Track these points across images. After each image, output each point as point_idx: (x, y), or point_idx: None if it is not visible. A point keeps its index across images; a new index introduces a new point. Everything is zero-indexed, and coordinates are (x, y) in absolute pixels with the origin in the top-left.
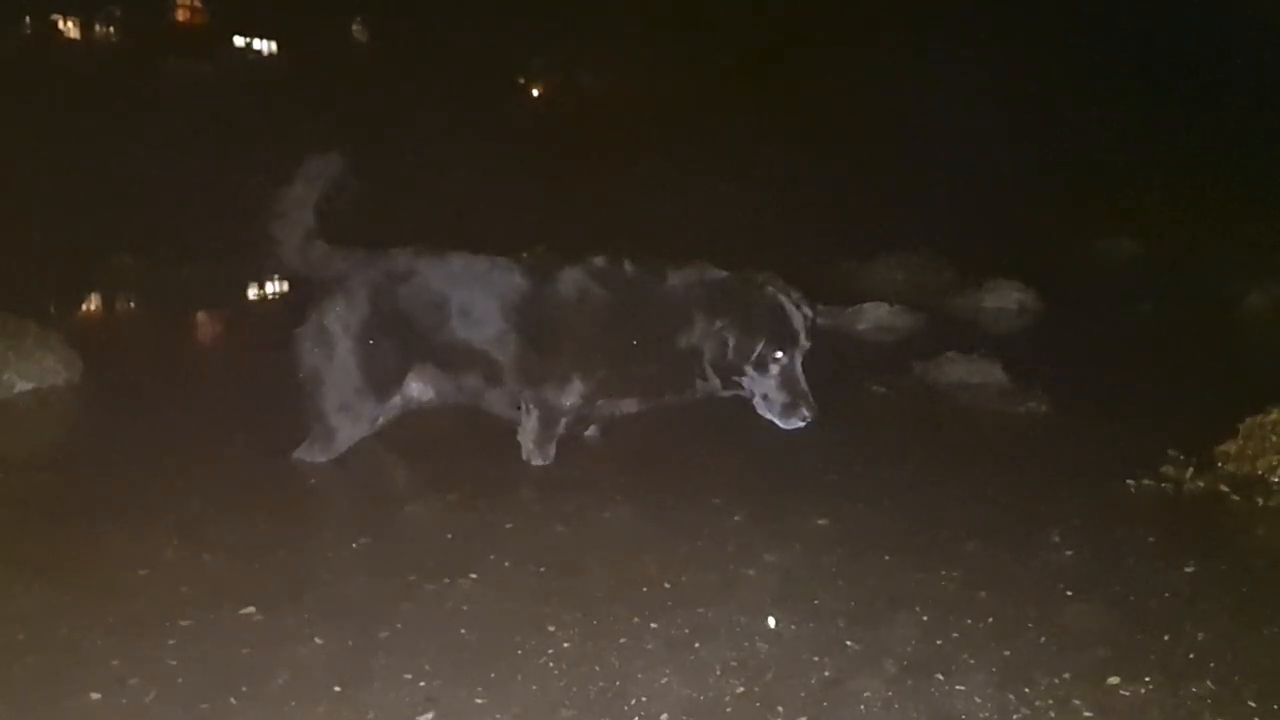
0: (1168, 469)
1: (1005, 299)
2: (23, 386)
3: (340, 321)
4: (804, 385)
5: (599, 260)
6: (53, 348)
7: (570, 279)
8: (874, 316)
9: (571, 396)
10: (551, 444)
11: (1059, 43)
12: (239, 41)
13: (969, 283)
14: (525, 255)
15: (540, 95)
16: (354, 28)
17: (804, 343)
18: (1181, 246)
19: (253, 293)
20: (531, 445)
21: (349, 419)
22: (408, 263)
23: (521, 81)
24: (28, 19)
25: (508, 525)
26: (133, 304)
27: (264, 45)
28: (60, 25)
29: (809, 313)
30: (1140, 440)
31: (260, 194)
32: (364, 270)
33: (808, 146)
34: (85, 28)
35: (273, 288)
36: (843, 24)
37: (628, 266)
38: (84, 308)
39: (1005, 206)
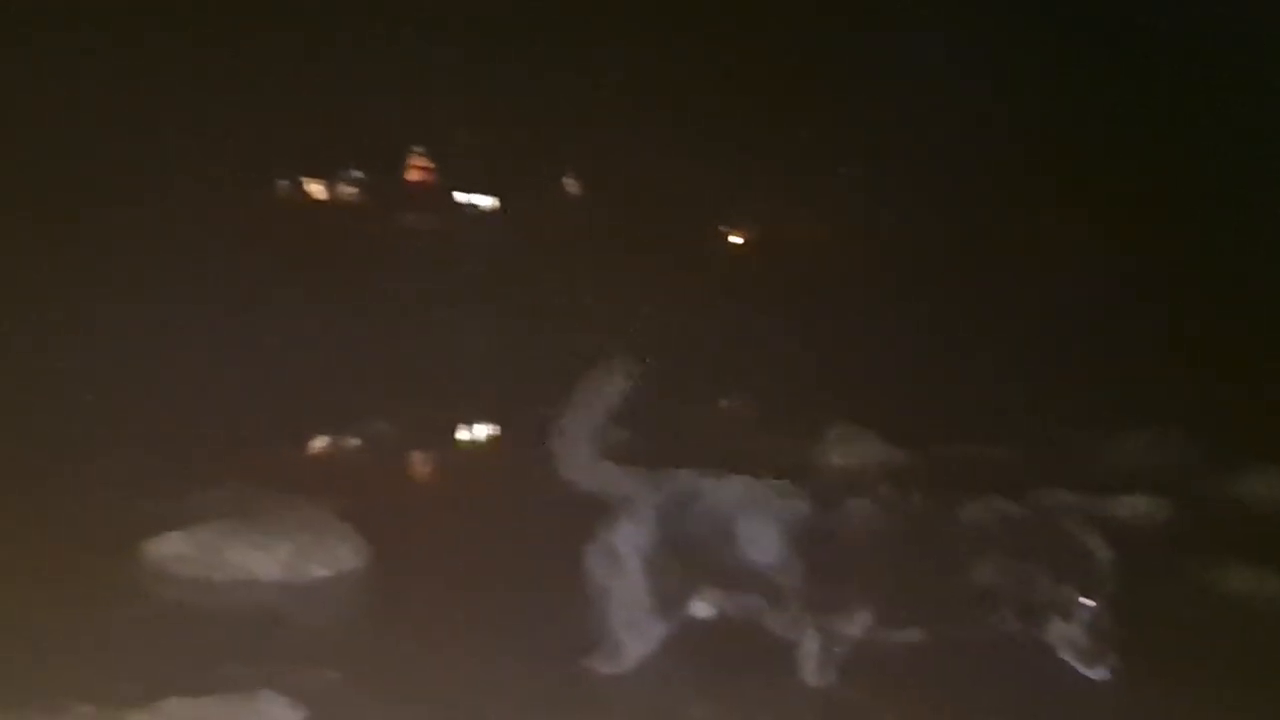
0: None
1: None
2: (320, 573)
3: (629, 542)
4: (1111, 631)
5: (884, 489)
6: (346, 536)
7: (857, 508)
8: (1133, 507)
9: (855, 625)
10: (833, 669)
11: None
12: (460, 197)
13: (1229, 465)
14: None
15: (744, 242)
16: (566, 181)
17: (1109, 586)
18: None
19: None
20: (813, 669)
21: (636, 636)
22: (692, 484)
23: (723, 229)
24: (280, 181)
25: None
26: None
27: (485, 200)
28: (306, 186)
29: (1111, 553)
30: None
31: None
32: (650, 491)
33: (1033, 308)
34: (330, 188)
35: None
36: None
37: (917, 497)
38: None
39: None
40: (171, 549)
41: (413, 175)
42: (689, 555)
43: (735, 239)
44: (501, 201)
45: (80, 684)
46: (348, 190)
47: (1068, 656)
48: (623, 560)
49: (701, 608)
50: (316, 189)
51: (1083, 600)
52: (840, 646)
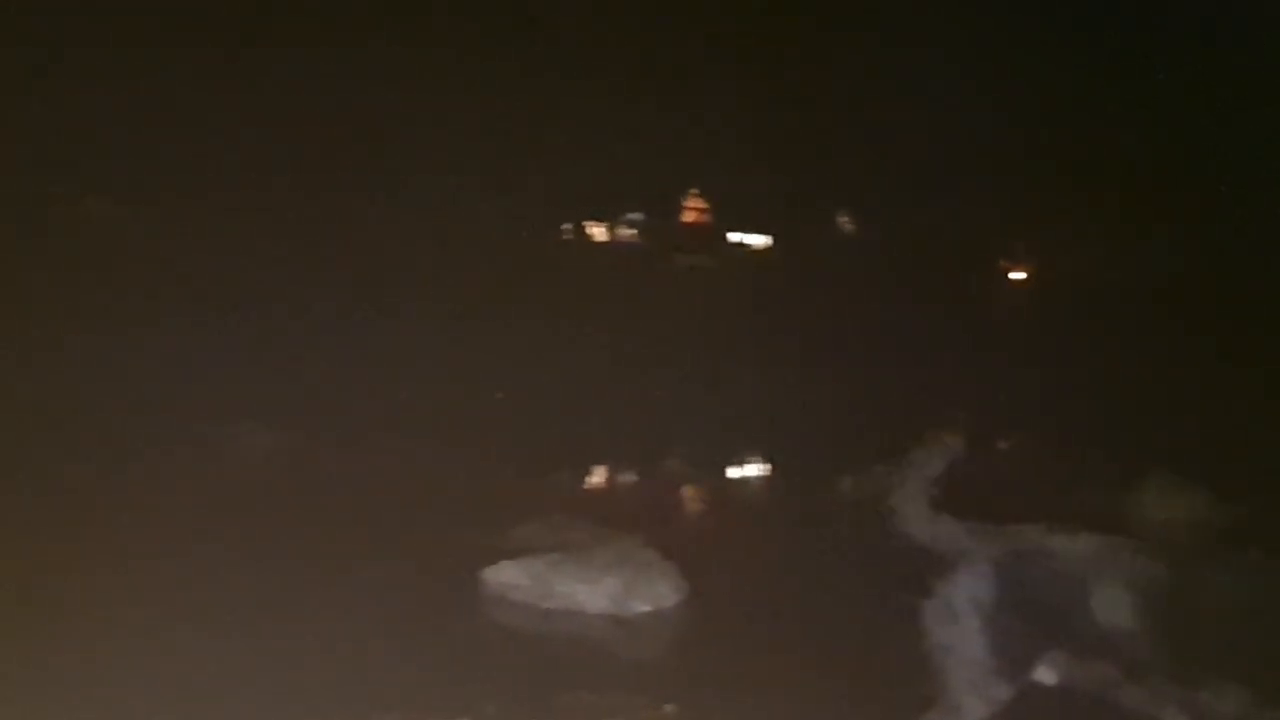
0: None
1: None
2: (642, 608)
3: (968, 598)
4: None
5: (1256, 551)
6: (666, 573)
7: (1223, 571)
8: None
9: (1229, 703)
10: None
11: None
12: (733, 237)
13: None
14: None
15: (1027, 278)
16: (840, 219)
17: None
18: None
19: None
20: None
21: (975, 697)
22: (1038, 540)
23: (1004, 265)
24: (565, 225)
25: None
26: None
27: (757, 239)
28: (589, 229)
29: None
30: None
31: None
32: (991, 547)
33: None
34: (611, 230)
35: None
36: None
37: None
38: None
39: None
40: (506, 577)
41: (689, 216)
42: (1033, 615)
43: (1017, 275)
44: (775, 240)
45: (441, 701)
46: (627, 232)
47: None
48: (961, 617)
49: (1047, 673)
50: (598, 231)
51: None
52: None
